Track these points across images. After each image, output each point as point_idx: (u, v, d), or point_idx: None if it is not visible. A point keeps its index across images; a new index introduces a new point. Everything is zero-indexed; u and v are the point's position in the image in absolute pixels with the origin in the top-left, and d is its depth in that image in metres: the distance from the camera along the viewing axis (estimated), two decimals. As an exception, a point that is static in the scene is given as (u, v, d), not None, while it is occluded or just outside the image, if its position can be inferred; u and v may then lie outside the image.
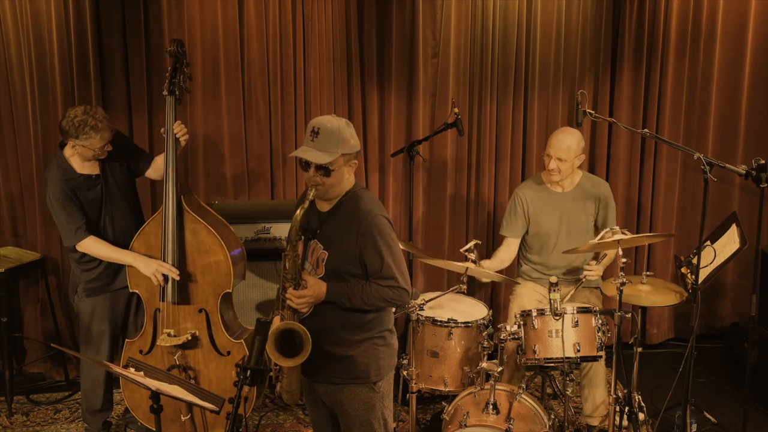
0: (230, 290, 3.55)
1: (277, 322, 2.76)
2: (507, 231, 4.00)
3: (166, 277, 3.45)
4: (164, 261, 3.45)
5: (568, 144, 3.75)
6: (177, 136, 3.46)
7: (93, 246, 3.51)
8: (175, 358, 3.51)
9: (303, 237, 2.73)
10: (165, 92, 3.44)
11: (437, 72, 4.68)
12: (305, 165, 2.61)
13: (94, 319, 3.65)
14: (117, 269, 3.60)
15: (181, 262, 3.47)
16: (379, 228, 2.62)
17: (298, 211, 2.58)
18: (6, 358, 4.23)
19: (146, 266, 3.45)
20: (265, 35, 4.52)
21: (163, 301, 3.49)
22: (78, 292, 3.66)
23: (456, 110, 4.27)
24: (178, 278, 3.45)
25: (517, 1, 4.62)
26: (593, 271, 3.77)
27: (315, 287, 2.62)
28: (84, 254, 3.55)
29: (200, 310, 3.53)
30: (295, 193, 4.74)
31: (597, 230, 3.91)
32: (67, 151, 3.51)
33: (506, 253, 4.00)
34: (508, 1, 4.62)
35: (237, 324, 3.73)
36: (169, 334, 3.49)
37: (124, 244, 3.55)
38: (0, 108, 4.37)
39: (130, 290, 3.56)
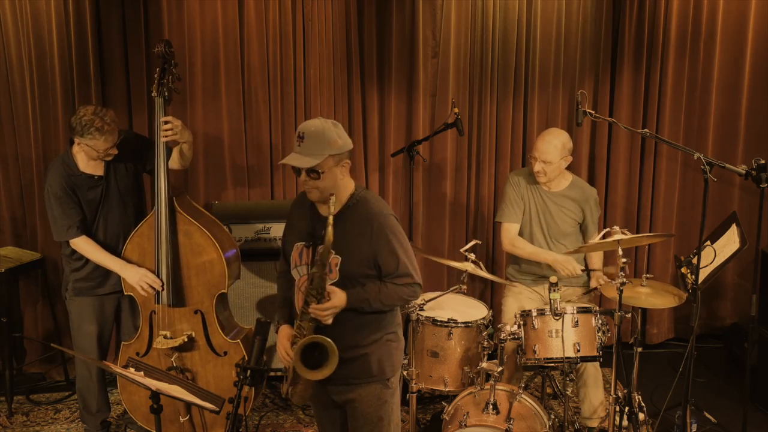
0: (225, 291, 3.55)
1: (285, 331, 2.75)
2: (508, 216, 3.90)
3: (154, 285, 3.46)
4: (158, 264, 3.45)
5: (553, 146, 3.74)
6: (162, 135, 3.40)
7: (83, 246, 3.51)
8: (172, 360, 3.51)
9: (307, 242, 2.71)
10: (154, 93, 3.43)
11: (437, 72, 4.68)
12: (297, 170, 2.61)
13: (82, 320, 3.65)
14: (105, 273, 3.58)
15: (175, 264, 3.47)
16: (392, 228, 2.65)
17: (329, 231, 2.53)
18: (6, 358, 4.23)
19: (132, 276, 3.46)
20: (265, 35, 4.52)
21: (158, 303, 3.49)
22: (68, 289, 3.66)
23: (456, 110, 4.27)
24: (161, 290, 3.46)
25: (517, 1, 4.62)
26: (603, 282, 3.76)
27: (336, 298, 2.62)
28: (74, 251, 3.56)
29: (196, 312, 3.53)
30: (295, 193, 4.73)
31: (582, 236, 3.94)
32: (74, 148, 3.51)
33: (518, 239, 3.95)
34: (508, 1, 4.62)
35: (233, 324, 3.73)
36: (165, 336, 3.49)
37: (114, 248, 3.55)
38: (0, 108, 4.38)
39: (125, 293, 3.55)
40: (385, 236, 2.63)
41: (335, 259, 2.65)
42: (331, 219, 2.54)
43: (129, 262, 3.52)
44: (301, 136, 2.58)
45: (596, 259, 3.96)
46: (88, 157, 3.49)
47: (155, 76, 3.44)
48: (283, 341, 2.73)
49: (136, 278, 3.46)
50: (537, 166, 3.78)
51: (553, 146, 3.74)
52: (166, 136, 3.42)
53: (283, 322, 2.82)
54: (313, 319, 2.62)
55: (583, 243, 3.91)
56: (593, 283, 3.84)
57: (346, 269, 2.65)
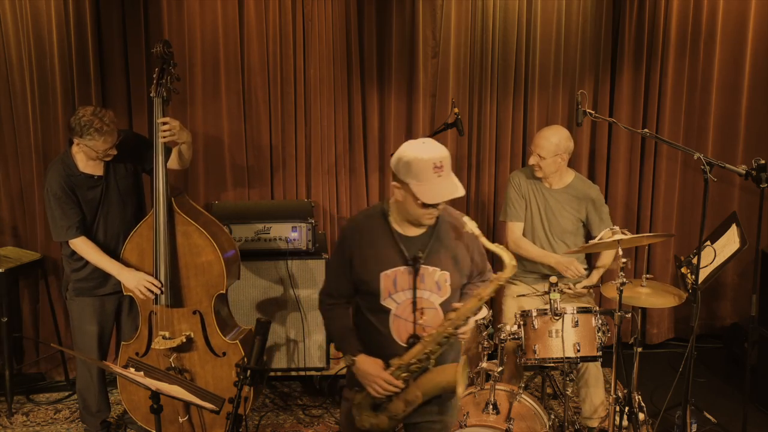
0: (224, 291, 3.55)
1: (373, 362, 2.56)
2: (511, 216, 3.95)
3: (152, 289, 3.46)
4: (156, 264, 3.44)
5: (548, 141, 3.76)
6: (160, 136, 3.40)
7: (82, 247, 3.51)
8: (171, 360, 3.51)
9: (412, 266, 2.54)
10: (152, 94, 3.43)
11: (437, 72, 4.68)
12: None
13: (83, 320, 3.65)
14: (106, 273, 3.57)
15: (173, 265, 3.47)
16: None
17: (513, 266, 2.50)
18: (6, 358, 4.23)
19: (130, 280, 3.46)
20: (265, 35, 4.52)
21: (156, 304, 3.49)
22: (68, 289, 3.67)
23: (456, 110, 4.26)
24: (159, 292, 3.45)
25: (517, 1, 4.62)
26: (584, 287, 3.79)
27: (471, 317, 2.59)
28: (74, 252, 3.56)
29: (194, 312, 3.53)
30: (294, 194, 4.74)
31: (589, 235, 3.93)
32: (74, 148, 3.51)
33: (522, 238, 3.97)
34: (508, 1, 4.62)
35: (232, 324, 3.73)
36: (164, 337, 3.49)
37: (114, 248, 3.56)
38: (0, 108, 4.37)
39: (124, 293, 3.55)
40: (475, 240, 2.57)
41: (443, 275, 2.57)
42: (503, 253, 2.49)
43: (128, 262, 3.52)
44: (440, 166, 2.42)
45: (604, 260, 3.94)
46: (87, 158, 3.49)
47: (154, 76, 3.44)
48: (381, 372, 2.53)
49: (134, 282, 3.45)
50: (532, 159, 3.82)
51: (549, 142, 3.76)
52: (164, 137, 3.42)
53: (359, 352, 2.58)
54: (442, 344, 2.55)
55: (587, 241, 3.93)
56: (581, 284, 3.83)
57: (456, 282, 2.60)
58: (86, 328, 3.66)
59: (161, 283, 3.45)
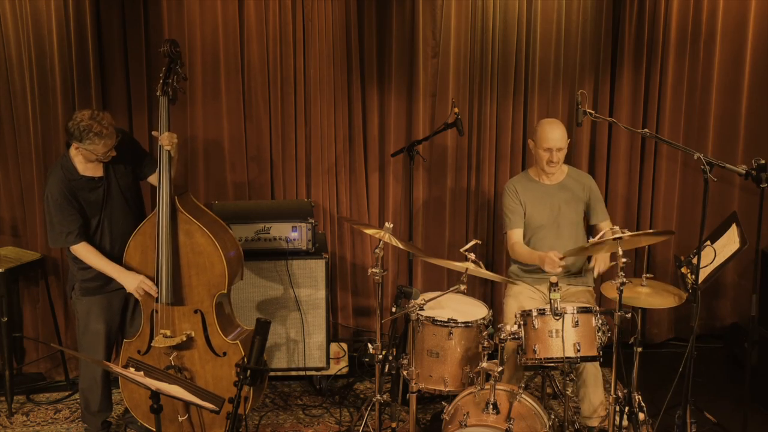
0: (225, 291, 3.56)
1: None
2: (509, 225, 4.01)
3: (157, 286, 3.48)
4: (158, 262, 3.45)
5: (561, 131, 3.87)
6: (162, 146, 3.44)
7: (83, 252, 3.52)
8: (171, 359, 3.51)
9: None
10: (158, 93, 3.44)
11: (437, 72, 4.68)
12: None
13: (90, 319, 3.65)
14: None
15: (175, 263, 3.48)
16: None
17: None
18: (6, 358, 4.23)
19: (129, 283, 3.49)
20: (265, 35, 4.53)
21: (157, 302, 3.50)
22: (74, 289, 3.66)
23: (456, 110, 4.27)
24: (156, 296, 3.47)
25: (517, 1, 4.62)
26: (600, 263, 3.81)
27: None
28: None
29: (195, 311, 3.53)
30: (294, 193, 4.74)
31: (589, 228, 4.01)
32: (72, 151, 3.51)
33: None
34: (508, 1, 4.62)
35: (234, 324, 3.73)
36: (164, 335, 3.50)
37: (120, 247, 3.56)
38: (0, 108, 4.38)
39: (128, 291, 3.56)
40: None
41: None
42: None
43: (131, 260, 3.53)
44: None
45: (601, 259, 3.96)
46: (86, 160, 3.49)
47: (160, 75, 3.45)
48: None
49: (134, 285, 3.48)
50: (555, 156, 3.86)
51: (561, 133, 3.86)
52: (165, 145, 3.45)
53: None
54: None
55: (592, 232, 4.01)
56: (596, 271, 3.85)
57: None
58: (93, 327, 3.66)
59: (158, 288, 3.47)
